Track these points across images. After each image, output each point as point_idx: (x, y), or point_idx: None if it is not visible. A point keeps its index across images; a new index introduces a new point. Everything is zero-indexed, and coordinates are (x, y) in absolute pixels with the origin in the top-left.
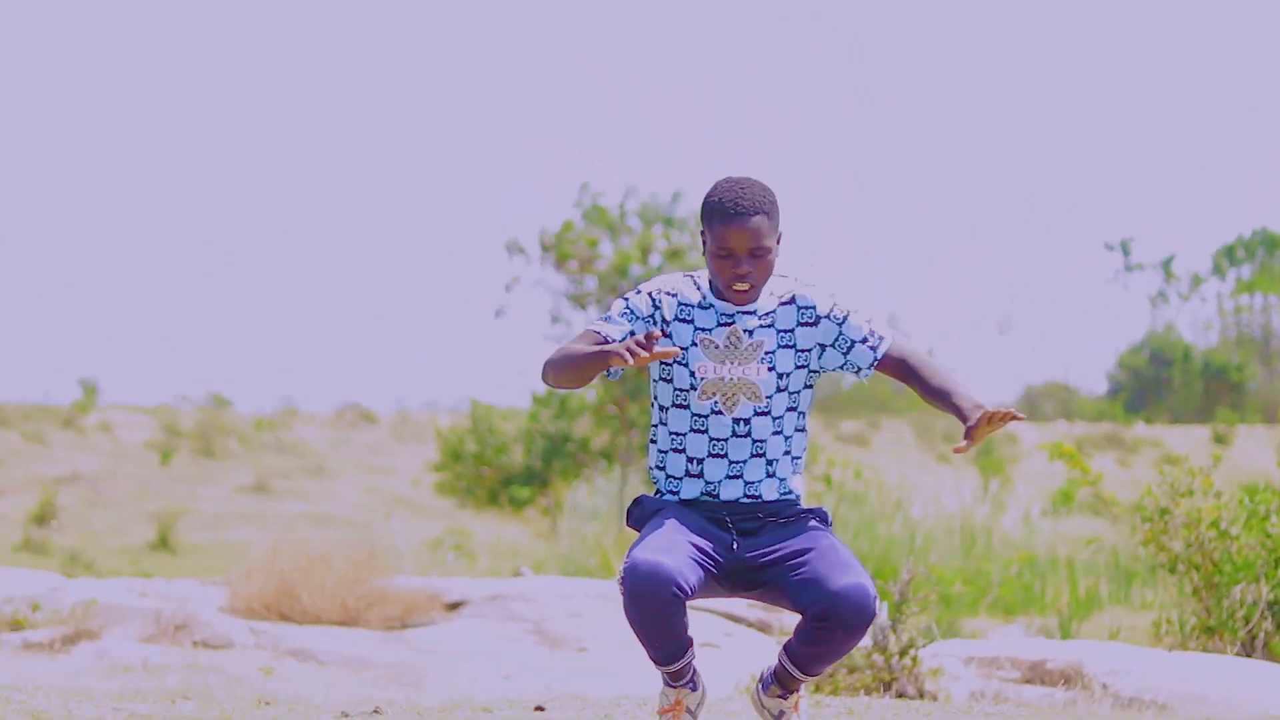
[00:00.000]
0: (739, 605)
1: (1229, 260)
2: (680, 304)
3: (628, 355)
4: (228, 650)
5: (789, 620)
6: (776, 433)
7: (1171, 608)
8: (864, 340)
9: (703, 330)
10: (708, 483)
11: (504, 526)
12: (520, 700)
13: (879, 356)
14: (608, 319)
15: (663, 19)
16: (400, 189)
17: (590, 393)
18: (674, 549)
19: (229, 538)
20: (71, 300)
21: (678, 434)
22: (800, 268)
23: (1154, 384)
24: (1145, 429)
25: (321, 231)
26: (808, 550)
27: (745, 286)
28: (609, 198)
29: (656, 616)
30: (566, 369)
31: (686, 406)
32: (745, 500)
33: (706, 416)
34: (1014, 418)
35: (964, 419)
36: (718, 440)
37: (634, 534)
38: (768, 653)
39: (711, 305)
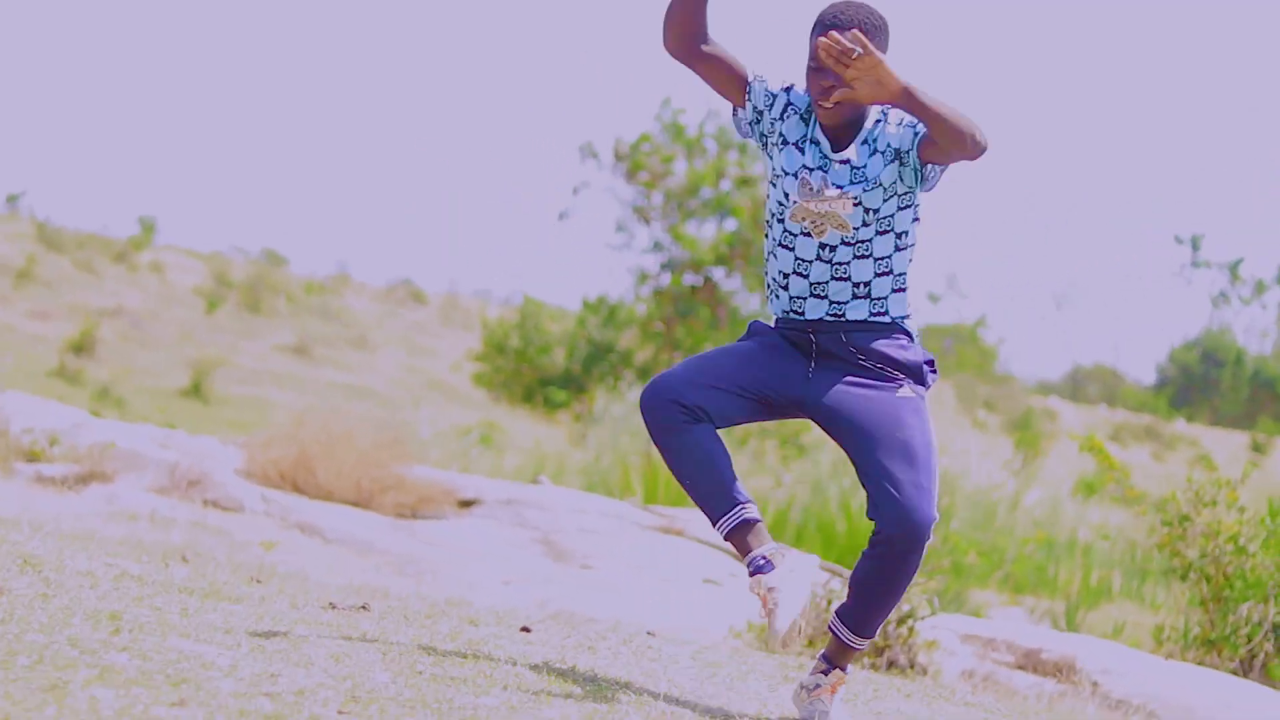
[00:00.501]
0: None
1: None
2: (801, 136)
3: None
4: (237, 514)
5: None
6: (863, 256)
7: (1177, 614)
8: (913, 125)
9: (804, 168)
10: (793, 298)
11: (536, 426)
12: (510, 614)
13: (921, 134)
14: (763, 81)
15: None
16: (487, 75)
17: (641, 306)
18: (701, 374)
19: (262, 395)
20: (142, 136)
21: (775, 243)
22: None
23: (1202, 383)
24: (1185, 426)
25: (406, 108)
26: (880, 433)
27: (829, 105)
28: (690, 116)
29: (668, 434)
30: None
31: (782, 221)
32: (829, 319)
33: (796, 235)
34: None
35: None
36: (803, 260)
37: None
38: None
39: (818, 142)
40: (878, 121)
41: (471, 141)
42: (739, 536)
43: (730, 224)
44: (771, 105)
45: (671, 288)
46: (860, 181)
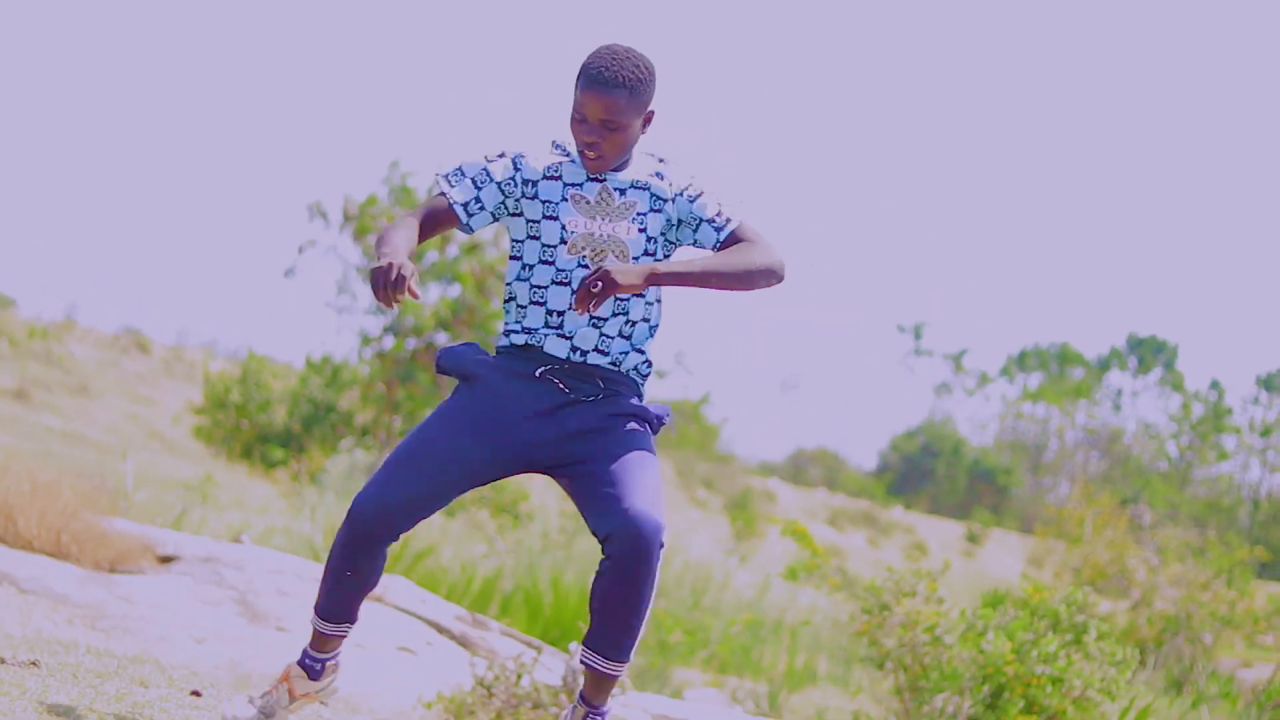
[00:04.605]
0: (446, 615)
1: (1020, 366)
2: (547, 164)
3: (383, 300)
4: None
5: (497, 642)
6: (640, 295)
7: (876, 703)
8: (711, 221)
9: (573, 185)
10: (567, 336)
11: (253, 482)
12: (186, 677)
13: (722, 238)
14: (459, 174)
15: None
16: (224, 126)
17: (364, 368)
18: (424, 489)
19: None
20: None
21: (539, 287)
22: (668, 148)
23: (921, 472)
24: (902, 514)
25: (143, 154)
26: (616, 464)
27: (593, 155)
28: (418, 180)
29: (356, 554)
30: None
31: (552, 263)
32: (596, 361)
33: (571, 270)
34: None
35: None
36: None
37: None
38: (462, 670)
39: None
40: (655, 176)
41: (207, 191)
42: (328, 641)
43: (454, 290)
44: (514, 187)
45: (394, 351)
46: (643, 189)
